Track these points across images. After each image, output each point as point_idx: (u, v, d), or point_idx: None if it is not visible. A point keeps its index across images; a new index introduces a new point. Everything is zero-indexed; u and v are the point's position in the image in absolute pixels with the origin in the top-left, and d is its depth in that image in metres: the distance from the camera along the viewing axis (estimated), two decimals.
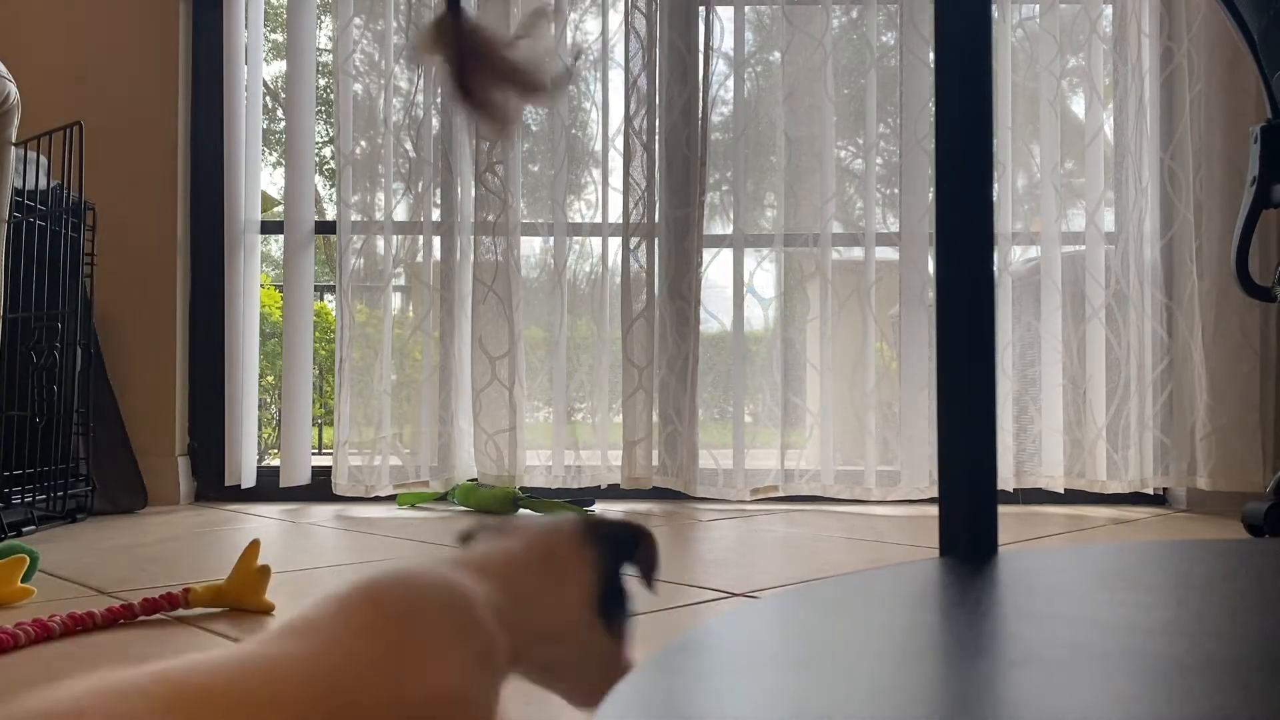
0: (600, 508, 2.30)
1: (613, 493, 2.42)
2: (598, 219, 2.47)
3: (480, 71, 0.72)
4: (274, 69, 6.30)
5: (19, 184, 1.95)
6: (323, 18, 2.94)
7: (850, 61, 2.50)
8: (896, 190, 2.45)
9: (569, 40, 2.49)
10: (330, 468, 2.44)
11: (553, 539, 0.59)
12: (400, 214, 2.48)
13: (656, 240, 2.42)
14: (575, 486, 2.41)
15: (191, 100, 2.53)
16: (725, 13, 2.47)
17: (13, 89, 1.63)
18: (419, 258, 2.46)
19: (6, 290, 1.86)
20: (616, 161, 2.44)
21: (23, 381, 2.06)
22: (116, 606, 1.17)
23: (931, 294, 2.33)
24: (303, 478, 2.47)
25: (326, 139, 5.86)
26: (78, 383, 2.17)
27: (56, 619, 1.11)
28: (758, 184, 2.51)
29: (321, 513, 2.28)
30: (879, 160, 2.46)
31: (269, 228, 2.63)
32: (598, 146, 2.48)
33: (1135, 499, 2.40)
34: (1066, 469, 2.37)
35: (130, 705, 0.37)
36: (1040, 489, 2.39)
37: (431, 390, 2.42)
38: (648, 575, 0.62)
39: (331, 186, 4.19)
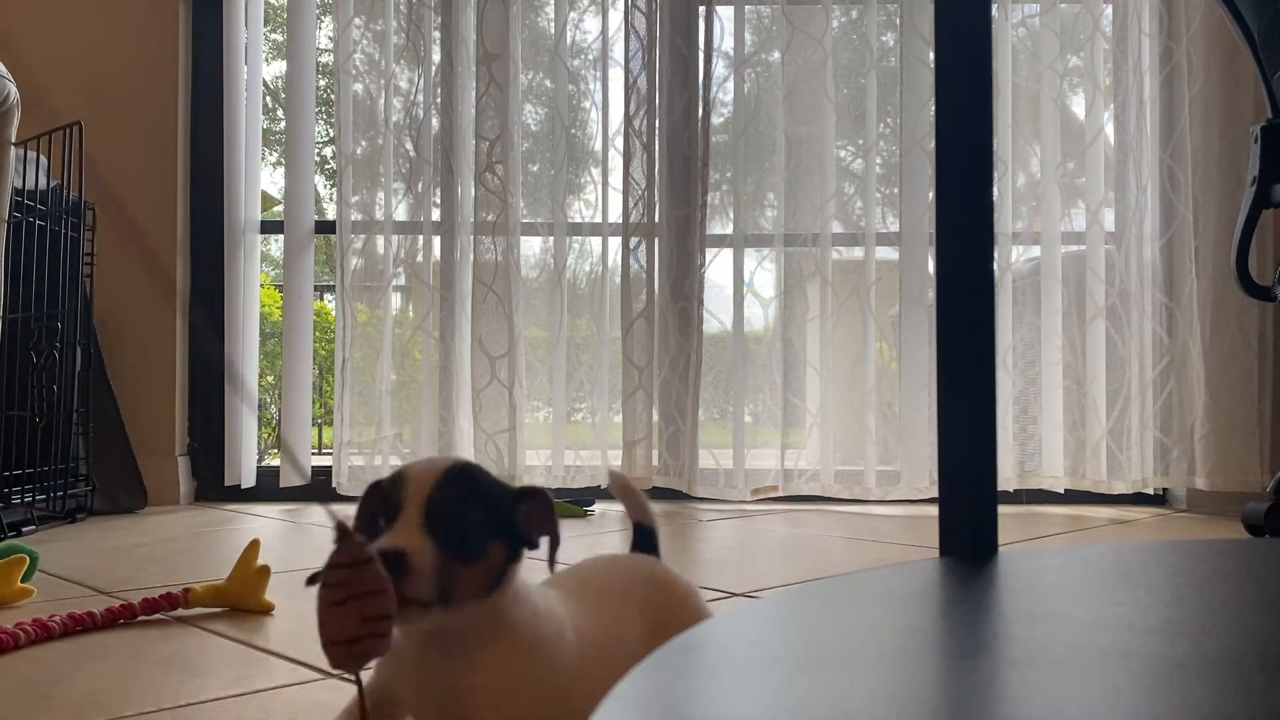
0: (601, 508, 2.30)
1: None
2: (598, 219, 2.47)
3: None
4: (274, 69, 6.29)
5: (19, 184, 1.95)
6: (323, 18, 2.94)
7: (850, 62, 2.50)
8: (896, 190, 2.45)
9: (569, 39, 2.49)
10: (330, 468, 2.44)
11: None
12: (400, 214, 2.48)
13: (657, 240, 2.42)
14: (575, 486, 2.41)
15: (191, 100, 2.53)
16: (725, 12, 2.47)
17: (13, 89, 1.63)
18: (419, 258, 2.46)
19: (6, 290, 1.86)
20: (616, 161, 2.44)
21: (23, 381, 2.06)
22: (116, 606, 1.17)
23: (931, 294, 2.33)
24: (303, 478, 2.47)
25: (326, 139, 5.86)
26: (78, 383, 2.17)
27: (56, 619, 1.11)
28: (758, 184, 2.50)
29: (321, 513, 2.28)
30: (879, 160, 2.46)
31: (269, 228, 2.63)
32: (598, 146, 2.48)
33: (1135, 499, 2.40)
34: (1069, 469, 2.36)
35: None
36: (1041, 489, 2.39)
37: (431, 390, 2.42)
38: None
39: (332, 186, 4.19)
